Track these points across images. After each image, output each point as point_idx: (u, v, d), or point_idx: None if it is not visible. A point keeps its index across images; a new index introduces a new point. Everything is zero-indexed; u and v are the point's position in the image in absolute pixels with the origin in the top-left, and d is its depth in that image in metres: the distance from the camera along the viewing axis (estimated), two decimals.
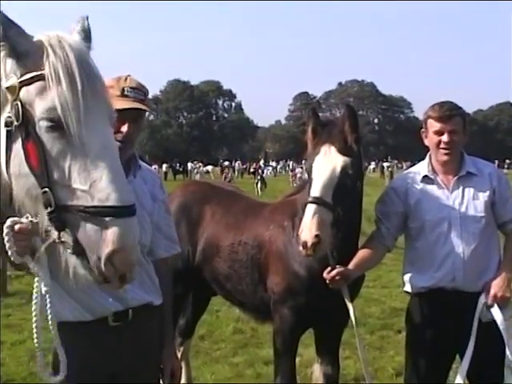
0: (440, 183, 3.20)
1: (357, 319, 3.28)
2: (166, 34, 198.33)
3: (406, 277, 3.29)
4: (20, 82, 1.69)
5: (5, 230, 1.74)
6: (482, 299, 3.07)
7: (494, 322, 3.03)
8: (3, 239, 1.75)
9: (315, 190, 3.03)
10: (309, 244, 2.91)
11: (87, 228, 1.63)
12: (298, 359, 3.82)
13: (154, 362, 2.59)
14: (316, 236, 2.90)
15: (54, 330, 1.93)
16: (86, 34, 1.89)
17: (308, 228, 2.93)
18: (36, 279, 1.84)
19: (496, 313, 3.04)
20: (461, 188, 3.16)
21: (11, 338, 6.10)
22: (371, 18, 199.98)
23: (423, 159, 3.33)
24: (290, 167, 48.68)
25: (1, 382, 5.01)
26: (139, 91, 2.56)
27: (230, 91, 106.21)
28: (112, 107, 1.85)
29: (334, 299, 3.21)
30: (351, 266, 3.13)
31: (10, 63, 1.72)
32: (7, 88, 1.71)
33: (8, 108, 1.72)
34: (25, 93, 1.69)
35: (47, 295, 1.85)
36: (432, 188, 3.21)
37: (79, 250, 1.65)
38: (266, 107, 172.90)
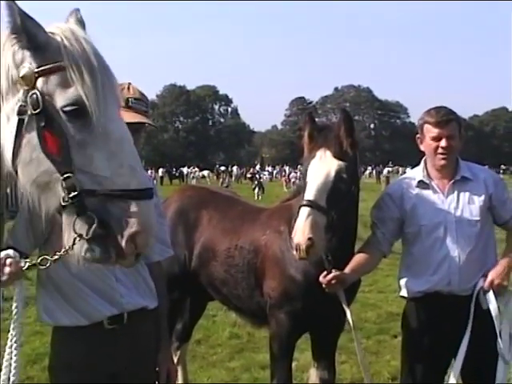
0: (435, 188, 3.21)
1: (354, 323, 3.28)
2: (162, 39, 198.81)
3: (402, 281, 3.30)
4: (36, 72, 1.71)
5: None
6: (479, 283, 3.08)
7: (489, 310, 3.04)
8: None
9: (309, 194, 3.04)
10: (302, 247, 2.91)
11: (112, 210, 1.69)
12: (294, 364, 3.81)
13: (150, 365, 2.61)
14: (309, 239, 2.90)
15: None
16: (82, 26, 1.90)
17: (301, 231, 2.93)
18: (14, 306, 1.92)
19: (490, 299, 3.05)
20: (456, 192, 3.18)
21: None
22: (368, 23, 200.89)
23: (417, 165, 3.34)
24: (286, 172, 48.60)
25: None
26: (142, 102, 2.64)
27: (227, 96, 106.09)
28: (120, 98, 1.96)
29: (330, 304, 3.22)
30: (347, 270, 3.13)
31: (20, 54, 1.73)
32: (22, 77, 1.72)
33: (19, 96, 1.73)
34: (43, 83, 1.71)
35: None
36: (427, 193, 3.22)
37: (98, 233, 1.69)
38: (262, 112, 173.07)
